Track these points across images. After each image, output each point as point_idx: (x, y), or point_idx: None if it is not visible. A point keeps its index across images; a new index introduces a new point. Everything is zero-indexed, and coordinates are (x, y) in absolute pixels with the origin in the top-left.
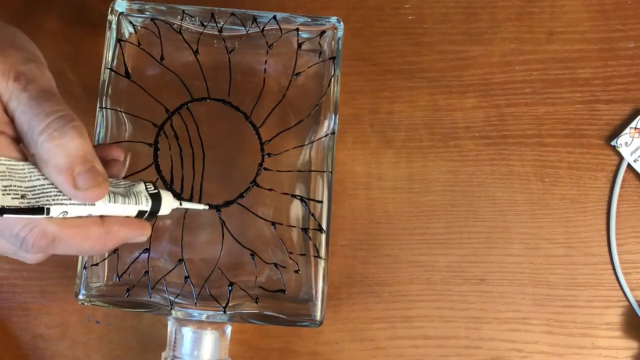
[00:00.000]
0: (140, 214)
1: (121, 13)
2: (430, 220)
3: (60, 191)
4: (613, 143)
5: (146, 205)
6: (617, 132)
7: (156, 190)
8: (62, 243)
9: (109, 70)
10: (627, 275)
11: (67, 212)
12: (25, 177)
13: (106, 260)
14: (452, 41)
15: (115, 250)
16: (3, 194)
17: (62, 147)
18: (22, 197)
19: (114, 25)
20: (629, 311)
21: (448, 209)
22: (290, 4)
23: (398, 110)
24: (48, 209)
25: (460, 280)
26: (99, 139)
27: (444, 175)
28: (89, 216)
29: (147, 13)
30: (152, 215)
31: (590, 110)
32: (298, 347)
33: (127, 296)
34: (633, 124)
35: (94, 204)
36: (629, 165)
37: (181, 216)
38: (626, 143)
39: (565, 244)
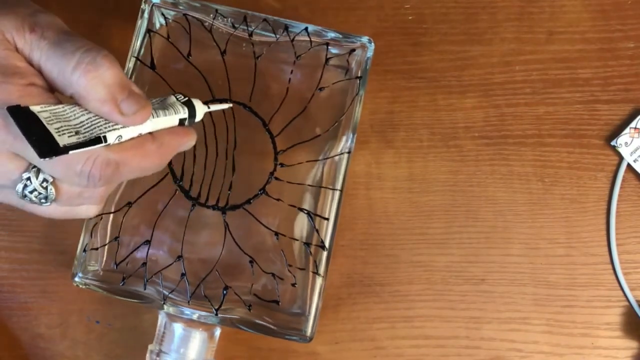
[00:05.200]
0: (181, 122)
1: (154, 4)
2: (430, 220)
3: (113, 120)
4: (613, 143)
5: (184, 113)
6: (617, 132)
7: (187, 98)
8: (125, 167)
9: (135, 58)
10: (627, 275)
11: (121, 137)
12: (70, 116)
13: (106, 247)
14: (452, 41)
15: (116, 237)
16: (59, 135)
17: (99, 79)
18: (77, 133)
19: (146, 15)
20: (629, 311)
21: (448, 209)
22: (290, 3)
23: (398, 110)
24: (105, 137)
25: (460, 280)
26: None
27: (444, 175)
28: (140, 135)
29: (181, 7)
30: (191, 120)
31: (590, 110)
32: (298, 347)
33: (123, 284)
34: (633, 124)
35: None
36: (629, 165)
37: (186, 213)
38: (626, 143)
39: (565, 244)
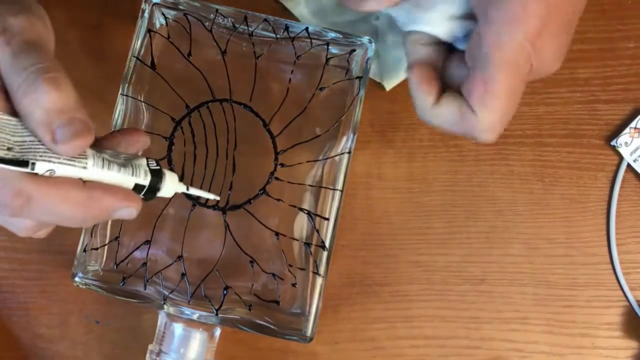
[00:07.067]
0: (138, 189)
1: (155, 3)
2: (430, 220)
3: (49, 149)
4: (613, 143)
5: (144, 179)
6: (617, 132)
7: (158, 167)
8: (38, 204)
9: (135, 58)
10: (627, 275)
11: (54, 171)
12: (17, 132)
13: (106, 247)
14: None
15: (116, 237)
16: None
17: (37, 102)
18: (9, 149)
19: (146, 15)
20: (629, 311)
21: (448, 209)
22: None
23: (398, 110)
24: (33, 164)
25: (460, 280)
26: (116, 125)
27: (444, 175)
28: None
29: (181, 7)
30: (152, 193)
31: (590, 110)
32: (298, 347)
33: (123, 284)
34: (633, 124)
35: (86, 167)
36: (629, 165)
37: (186, 213)
38: (626, 143)
39: (565, 244)
